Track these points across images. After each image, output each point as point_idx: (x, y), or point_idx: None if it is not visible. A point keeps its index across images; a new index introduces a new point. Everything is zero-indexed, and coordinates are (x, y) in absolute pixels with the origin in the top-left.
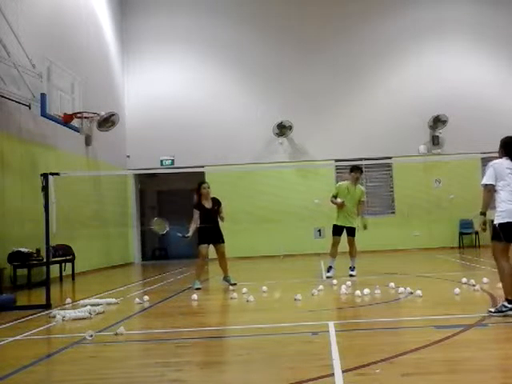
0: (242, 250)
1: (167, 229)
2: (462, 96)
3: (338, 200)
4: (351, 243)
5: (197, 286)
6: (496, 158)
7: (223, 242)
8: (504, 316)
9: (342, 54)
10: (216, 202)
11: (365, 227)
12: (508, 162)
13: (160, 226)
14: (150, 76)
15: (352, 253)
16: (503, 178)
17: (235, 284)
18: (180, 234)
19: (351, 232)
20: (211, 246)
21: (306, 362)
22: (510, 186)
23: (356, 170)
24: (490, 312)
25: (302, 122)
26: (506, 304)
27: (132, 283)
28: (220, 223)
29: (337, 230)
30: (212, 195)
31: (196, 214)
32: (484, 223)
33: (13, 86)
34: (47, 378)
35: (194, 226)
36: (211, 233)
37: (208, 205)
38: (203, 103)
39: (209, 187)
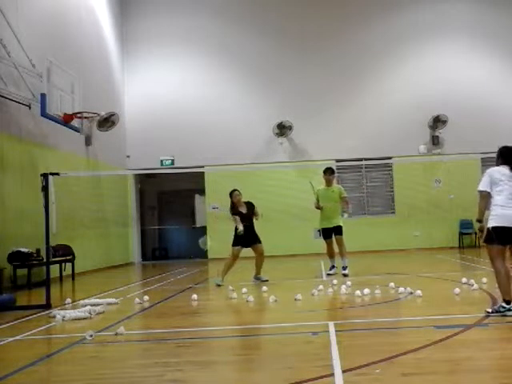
0: None
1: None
2: (461, 96)
3: (318, 204)
4: (339, 242)
5: (218, 283)
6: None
7: (260, 242)
8: (502, 316)
9: (342, 54)
10: (250, 207)
11: (342, 215)
12: (505, 169)
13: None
14: (150, 76)
15: (342, 252)
16: (498, 183)
17: (267, 280)
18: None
19: (338, 231)
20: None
21: (306, 362)
22: (505, 192)
23: (327, 172)
24: (488, 312)
25: (302, 121)
26: (503, 305)
27: (132, 283)
28: (255, 224)
29: (326, 234)
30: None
31: (237, 218)
32: (481, 229)
33: (13, 86)
34: (47, 378)
35: (240, 225)
36: (247, 236)
37: (244, 210)
38: (203, 103)
39: (239, 194)
